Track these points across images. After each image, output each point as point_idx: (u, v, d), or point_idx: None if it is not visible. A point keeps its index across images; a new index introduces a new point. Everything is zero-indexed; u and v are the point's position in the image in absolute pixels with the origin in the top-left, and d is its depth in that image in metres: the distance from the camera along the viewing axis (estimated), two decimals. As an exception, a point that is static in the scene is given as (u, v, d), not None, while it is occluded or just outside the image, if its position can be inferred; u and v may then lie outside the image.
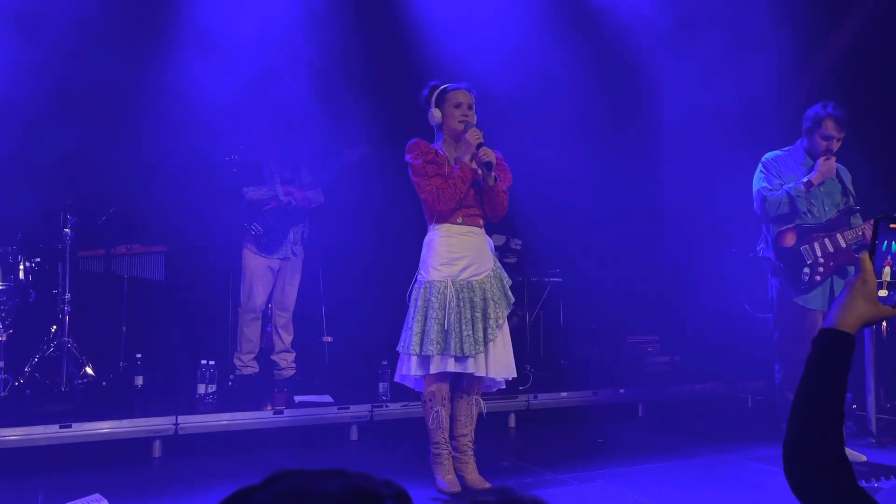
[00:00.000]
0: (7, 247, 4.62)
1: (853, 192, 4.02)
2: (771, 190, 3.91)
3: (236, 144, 5.12)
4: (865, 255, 1.18)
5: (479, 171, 3.35)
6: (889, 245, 1.20)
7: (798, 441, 1.08)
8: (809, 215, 3.90)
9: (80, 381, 4.66)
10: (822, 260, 3.83)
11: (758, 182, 4.00)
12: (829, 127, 3.85)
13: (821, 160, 3.87)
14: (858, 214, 3.99)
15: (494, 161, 3.32)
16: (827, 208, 3.94)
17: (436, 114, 3.42)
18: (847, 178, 4.05)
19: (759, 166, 4.04)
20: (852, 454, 3.75)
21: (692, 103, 6.37)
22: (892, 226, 1.20)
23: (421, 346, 3.23)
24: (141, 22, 5.35)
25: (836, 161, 3.95)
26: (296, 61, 5.31)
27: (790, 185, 3.87)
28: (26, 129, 4.96)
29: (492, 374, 3.29)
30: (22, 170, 4.98)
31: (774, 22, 5.50)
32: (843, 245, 3.86)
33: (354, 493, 0.60)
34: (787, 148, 4.06)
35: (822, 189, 3.92)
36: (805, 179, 3.85)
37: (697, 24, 5.88)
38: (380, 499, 0.61)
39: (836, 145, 3.89)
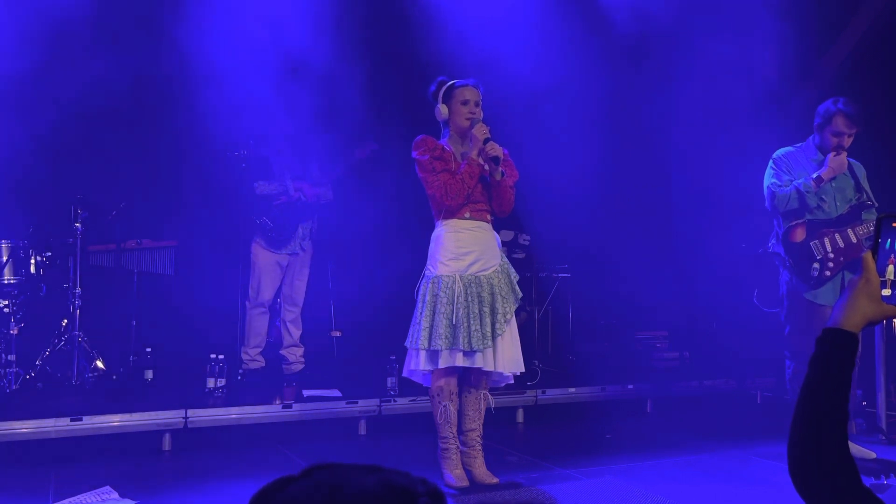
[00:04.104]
0: (18, 241, 4.66)
1: (867, 188, 4.00)
2: (780, 186, 3.90)
3: (246, 140, 5.13)
4: (868, 255, 1.17)
5: (486, 167, 3.35)
6: (892, 244, 1.19)
7: (802, 441, 1.08)
8: (820, 211, 3.88)
9: (90, 375, 4.70)
10: (832, 255, 3.81)
11: (768, 178, 3.98)
12: (840, 123, 3.83)
13: (831, 155, 3.85)
14: (873, 210, 3.97)
15: (501, 156, 3.32)
16: (838, 204, 3.91)
17: (442, 110, 3.43)
18: (861, 174, 4.03)
19: (770, 163, 4.02)
20: (862, 451, 3.74)
21: (701, 99, 6.35)
22: (894, 224, 1.19)
23: (429, 340, 3.23)
24: (151, 19, 5.36)
25: (851, 157, 3.94)
26: (307, 58, 5.31)
27: (800, 181, 3.85)
28: (37, 125, 4.99)
29: (500, 369, 3.29)
30: (33, 164, 5.01)
31: (787, 15, 5.46)
32: (854, 240, 3.84)
33: (390, 489, 0.61)
34: (798, 144, 4.05)
35: (833, 185, 3.90)
36: (815, 175, 3.84)
37: (708, 19, 5.85)
38: (415, 496, 0.61)
39: (847, 141, 3.87)
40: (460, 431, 3.41)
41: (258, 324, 5.15)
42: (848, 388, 1.11)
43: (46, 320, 4.92)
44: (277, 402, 4.36)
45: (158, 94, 5.34)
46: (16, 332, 4.49)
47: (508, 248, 5.86)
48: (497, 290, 3.31)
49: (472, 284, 3.28)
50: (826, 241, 3.84)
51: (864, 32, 5.70)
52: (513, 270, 3.45)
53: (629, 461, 3.81)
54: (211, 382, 4.56)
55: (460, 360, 3.23)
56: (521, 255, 6.02)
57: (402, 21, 5.72)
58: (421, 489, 0.62)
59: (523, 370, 3.42)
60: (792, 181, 3.89)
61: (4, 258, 4.59)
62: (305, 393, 4.53)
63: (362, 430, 4.49)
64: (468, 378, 3.40)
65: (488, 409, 3.45)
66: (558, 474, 3.58)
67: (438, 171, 3.32)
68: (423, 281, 3.37)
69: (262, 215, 5.08)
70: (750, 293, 4.65)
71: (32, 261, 4.72)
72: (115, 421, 3.91)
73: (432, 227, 3.46)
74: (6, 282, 4.59)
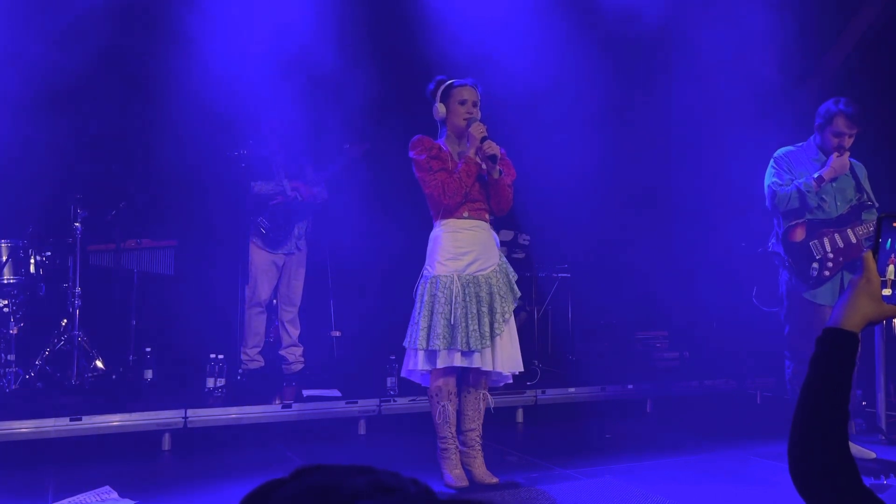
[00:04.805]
0: (18, 241, 4.66)
1: (868, 188, 4.00)
2: (781, 185, 3.90)
3: (245, 139, 5.13)
4: (869, 254, 1.16)
5: (484, 166, 3.35)
6: (893, 243, 1.18)
7: (802, 441, 1.08)
8: (820, 211, 3.88)
9: (90, 375, 4.69)
10: (831, 255, 3.81)
11: (769, 177, 3.99)
12: (841, 123, 3.83)
13: (833, 156, 3.85)
14: (874, 210, 3.96)
15: (499, 154, 3.32)
16: (839, 204, 3.91)
17: (440, 109, 3.42)
18: (862, 174, 4.03)
19: (771, 161, 4.03)
20: (862, 451, 3.74)
21: (702, 97, 6.34)
22: (895, 224, 1.19)
23: (427, 340, 3.23)
24: (151, 18, 5.36)
25: (852, 157, 3.94)
26: (305, 57, 5.31)
27: (801, 181, 3.85)
28: (37, 124, 4.98)
29: (498, 369, 3.29)
30: (33, 164, 5.01)
31: (787, 14, 5.46)
32: (854, 241, 3.84)
33: (381, 491, 0.60)
34: (799, 143, 4.05)
35: (834, 184, 3.90)
36: (816, 175, 3.84)
37: (708, 18, 5.85)
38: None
39: (847, 142, 3.87)
40: (460, 431, 3.40)
41: (256, 323, 5.15)
42: (848, 388, 1.10)
43: (46, 320, 4.91)
44: (277, 401, 4.36)
45: (159, 94, 5.33)
46: (15, 331, 4.49)
47: (508, 247, 5.86)
48: (495, 290, 3.31)
49: (471, 284, 3.28)
50: (826, 241, 3.84)
51: (864, 32, 5.69)
52: (511, 270, 3.44)
53: (629, 461, 3.81)
54: (210, 382, 4.55)
55: (458, 360, 3.23)
56: (520, 255, 6.01)
57: (401, 20, 5.72)
58: (412, 490, 0.61)
59: (522, 370, 3.42)
60: (793, 180, 3.89)
61: (4, 258, 4.58)
62: (305, 393, 4.53)
63: (362, 430, 4.48)
64: (467, 378, 3.40)
65: (488, 409, 3.45)
66: (558, 474, 3.58)
67: (436, 170, 3.32)
68: (422, 281, 3.37)
69: (258, 215, 5.08)
70: (750, 293, 4.65)
71: (32, 260, 4.72)
72: (114, 421, 3.91)
73: (431, 227, 3.46)
74: (6, 281, 4.58)
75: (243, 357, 5.11)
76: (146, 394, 4.56)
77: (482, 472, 3.35)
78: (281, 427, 4.31)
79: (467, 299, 3.24)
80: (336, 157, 5.32)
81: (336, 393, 4.54)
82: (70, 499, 3.05)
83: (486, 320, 3.26)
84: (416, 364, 3.30)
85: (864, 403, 4.50)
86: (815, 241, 3.85)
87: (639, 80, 6.50)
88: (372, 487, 0.59)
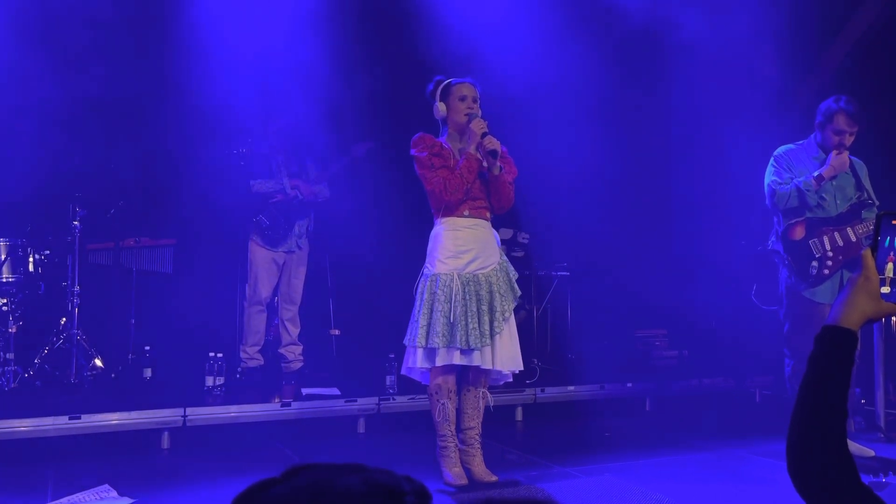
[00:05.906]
0: (17, 239, 4.65)
1: (868, 186, 4.00)
2: (781, 183, 3.90)
3: (245, 137, 5.13)
4: (868, 252, 1.16)
5: (485, 162, 3.35)
6: (892, 241, 1.18)
7: (801, 438, 1.08)
8: (820, 209, 3.88)
9: (89, 373, 4.69)
10: (830, 254, 3.81)
11: (769, 175, 3.99)
12: (842, 121, 3.83)
13: (833, 154, 3.85)
14: (874, 208, 3.96)
15: (499, 149, 3.32)
16: (839, 202, 3.91)
17: (440, 107, 3.42)
18: (863, 172, 4.03)
19: (771, 160, 4.03)
20: (861, 449, 3.74)
21: (702, 96, 6.34)
22: (894, 222, 1.19)
23: (427, 338, 3.23)
24: (150, 17, 5.35)
25: (853, 155, 3.94)
26: (303, 56, 5.30)
27: (800, 179, 3.85)
28: (36, 124, 4.98)
29: (498, 367, 3.29)
30: (32, 163, 5.01)
31: (788, 13, 5.45)
32: (854, 239, 3.84)
33: (375, 489, 0.60)
34: (799, 142, 4.05)
35: (834, 183, 3.90)
36: (816, 173, 3.83)
37: (708, 17, 5.84)
38: (401, 495, 0.61)
39: (848, 140, 3.87)
40: (459, 429, 3.40)
41: (256, 322, 5.14)
42: (847, 385, 1.10)
43: (45, 319, 4.91)
44: (276, 400, 4.36)
45: (157, 92, 5.33)
46: (14, 330, 4.48)
47: (507, 246, 5.85)
48: (495, 289, 3.31)
49: (471, 283, 3.28)
50: (825, 239, 3.84)
51: (864, 30, 5.69)
52: (511, 268, 3.44)
53: (628, 459, 3.81)
54: (210, 381, 4.55)
55: (457, 359, 3.23)
56: (520, 254, 6.01)
57: (401, 19, 5.71)
58: (406, 487, 0.61)
59: (522, 368, 3.42)
60: (792, 179, 3.89)
61: (3, 256, 4.58)
62: (304, 391, 4.53)
63: (361, 429, 4.48)
64: (467, 376, 3.40)
65: (487, 408, 3.45)
66: (557, 472, 3.58)
67: (437, 167, 3.32)
68: (422, 279, 3.37)
69: (258, 213, 5.08)
70: (749, 291, 4.65)
71: (31, 259, 4.72)
72: (113, 419, 3.91)
73: (431, 225, 3.45)
74: (5, 280, 4.58)
75: (242, 355, 5.11)
76: (145, 392, 4.55)
77: (481, 471, 3.35)
78: (280, 425, 4.31)
79: (467, 297, 3.24)
80: (339, 155, 5.32)
81: (335, 391, 4.53)
82: (69, 497, 3.05)
83: (485, 318, 3.26)
84: (415, 362, 3.30)
85: (863, 401, 4.51)
86: (815, 239, 3.85)
87: (639, 79, 6.49)
88: (366, 486, 0.59)
